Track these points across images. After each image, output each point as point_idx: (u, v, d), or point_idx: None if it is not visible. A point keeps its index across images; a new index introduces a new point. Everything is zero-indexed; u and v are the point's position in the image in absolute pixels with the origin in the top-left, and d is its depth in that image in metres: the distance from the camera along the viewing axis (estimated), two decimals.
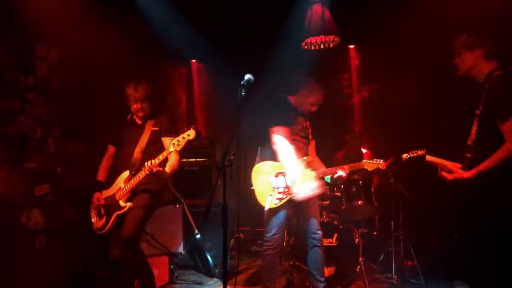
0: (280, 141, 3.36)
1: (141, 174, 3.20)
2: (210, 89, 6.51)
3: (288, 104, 3.57)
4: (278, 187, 3.33)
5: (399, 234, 4.35)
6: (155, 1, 4.71)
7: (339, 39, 4.14)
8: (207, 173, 4.86)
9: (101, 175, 3.53)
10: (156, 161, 3.13)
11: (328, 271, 3.95)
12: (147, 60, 4.90)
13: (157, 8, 4.75)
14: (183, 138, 3.04)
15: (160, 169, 3.19)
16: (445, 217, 4.49)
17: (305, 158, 3.48)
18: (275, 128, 3.40)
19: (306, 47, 4.19)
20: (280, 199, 3.32)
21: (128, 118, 3.59)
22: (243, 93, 2.66)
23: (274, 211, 3.38)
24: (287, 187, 3.32)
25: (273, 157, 3.42)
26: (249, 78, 2.71)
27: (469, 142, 2.91)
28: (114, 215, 3.30)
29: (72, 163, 4.00)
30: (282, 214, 3.41)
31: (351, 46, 5.85)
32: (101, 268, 4.03)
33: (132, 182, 3.27)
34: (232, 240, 5.04)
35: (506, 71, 2.77)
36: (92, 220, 3.46)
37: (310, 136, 3.63)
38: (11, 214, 3.47)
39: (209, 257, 4.48)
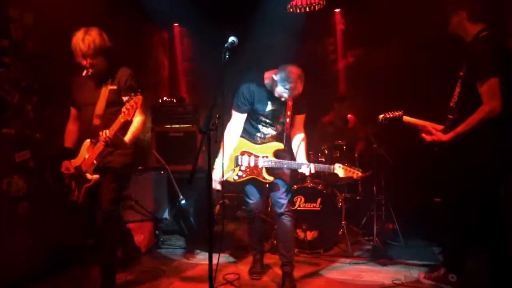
0: (228, 129, 3.25)
1: (100, 146, 2.94)
2: (193, 54, 6.39)
3: (259, 82, 3.24)
4: (241, 165, 3.26)
5: (381, 198, 4.45)
6: None
7: (324, 2, 4.07)
8: (192, 139, 4.83)
9: (68, 140, 3.25)
10: (110, 132, 2.84)
11: (311, 234, 4.04)
12: (128, 24, 4.75)
13: None
14: (132, 106, 2.76)
15: (116, 141, 2.90)
16: (425, 181, 4.60)
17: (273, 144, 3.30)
18: (232, 112, 3.29)
19: (291, 10, 4.11)
20: (240, 176, 3.27)
21: (84, 74, 3.05)
22: (227, 56, 2.61)
23: (243, 183, 3.34)
24: (249, 167, 3.26)
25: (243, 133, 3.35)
26: (233, 40, 2.65)
27: (451, 104, 2.94)
28: (83, 188, 3.08)
29: (52, 129, 3.91)
30: (256, 184, 3.39)
31: (337, 10, 5.75)
32: (87, 235, 4.04)
33: (94, 152, 3.00)
34: (217, 206, 5.10)
35: (490, 32, 2.76)
36: (69, 192, 3.24)
37: (287, 118, 3.27)
38: None
39: (193, 222, 4.52)
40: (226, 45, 2.63)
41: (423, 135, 2.99)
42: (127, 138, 3.03)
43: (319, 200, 4.08)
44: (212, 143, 2.40)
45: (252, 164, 3.25)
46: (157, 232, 4.35)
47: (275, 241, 4.11)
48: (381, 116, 3.21)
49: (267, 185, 3.42)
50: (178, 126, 4.87)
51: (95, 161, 3.02)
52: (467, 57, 2.84)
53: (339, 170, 3.15)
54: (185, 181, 4.47)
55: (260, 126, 3.32)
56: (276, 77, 3.09)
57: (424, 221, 4.47)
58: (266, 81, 3.23)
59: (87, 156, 3.04)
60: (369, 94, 5.06)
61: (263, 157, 3.26)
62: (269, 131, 3.33)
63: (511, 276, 2.75)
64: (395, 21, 4.68)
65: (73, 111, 3.31)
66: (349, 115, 5.21)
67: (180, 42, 6.46)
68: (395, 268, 3.66)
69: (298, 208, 4.09)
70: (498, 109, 2.66)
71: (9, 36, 3.63)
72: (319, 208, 4.07)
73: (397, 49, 4.68)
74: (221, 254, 3.61)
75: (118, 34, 3.61)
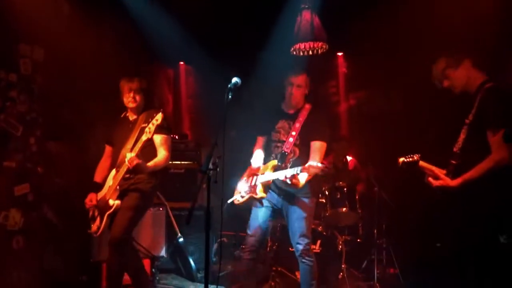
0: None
1: (124, 169, 3.13)
2: (197, 91, 6.49)
3: (271, 110, 3.51)
4: (246, 187, 3.29)
5: (382, 242, 4.37)
6: (144, 2, 4.67)
7: (327, 46, 4.16)
8: (193, 176, 4.82)
9: (98, 176, 3.40)
10: (133, 153, 3.06)
11: None
12: (135, 61, 4.86)
13: (146, 10, 4.71)
14: (152, 124, 3.04)
15: (139, 161, 3.06)
16: (427, 226, 4.54)
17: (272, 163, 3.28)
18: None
19: (294, 53, 4.21)
20: (243, 196, 3.28)
21: (122, 116, 3.47)
22: (229, 97, 2.65)
23: (254, 213, 3.32)
24: (250, 186, 3.27)
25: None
26: (237, 81, 2.71)
27: (455, 150, 2.93)
28: (105, 215, 3.20)
29: (54, 163, 3.93)
30: (260, 216, 3.31)
31: (339, 54, 5.88)
32: (81, 271, 3.97)
33: (117, 178, 3.17)
34: (216, 245, 5.01)
35: (497, 84, 2.79)
36: (91, 223, 3.33)
37: (290, 138, 3.29)
38: None
39: (191, 261, 4.44)
40: (229, 85, 2.68)
41: (430, 179, 2.96)
42: (149, 164, 3.18)
43: (318, 242, 4.01)
44: (212, 182, 2.40)
45: (253, 183, 3.25)
46: (153, 270, 4.26)
47: (273, 283, 4.01)
48: (401, 159, 3.15)
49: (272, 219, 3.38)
50: (179, 162, 4.87)
51: (118, 187, 3.19)
52: (475, 106, 2.85)
53: (303, 175, 3.03)
54: (184, 218, 4.43)
55: (273, 146, 3.37)
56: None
57: (426, 266, 4.38)
58: None
59: (111, 183, 3.23)
60: (370, 137, 5.08)
61: (258, 174, 3.25)
62: (277, 151, 3.34)
63: None
64: (397, 66, 4.77)
65: (108, 148, 3.49)
66: (349, 158, 5.21)
67: (185, 80, 6.57)
68: None
69: None
70: (507, 159, 2.66)
71: (17, 71, 3.71)
72: (318, 251, 4.00)
73: (398, 93, 4.75)
74: None
75: (125, 72, 3.71)
